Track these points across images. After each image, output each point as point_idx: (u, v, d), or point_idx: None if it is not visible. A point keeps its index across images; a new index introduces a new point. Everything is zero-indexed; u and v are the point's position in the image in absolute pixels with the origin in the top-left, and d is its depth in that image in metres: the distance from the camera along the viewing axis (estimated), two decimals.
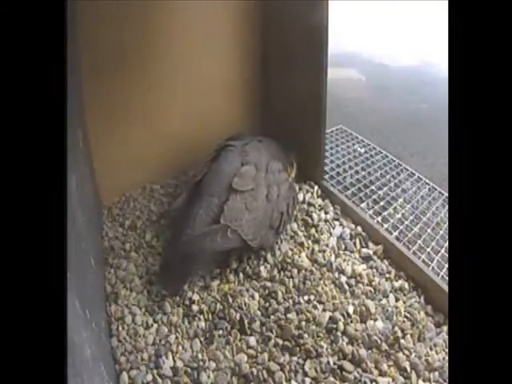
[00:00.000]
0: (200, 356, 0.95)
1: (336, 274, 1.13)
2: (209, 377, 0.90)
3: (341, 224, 1.30)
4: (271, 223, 1.14)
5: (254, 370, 0.91)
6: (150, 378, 0.90)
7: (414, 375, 0.91)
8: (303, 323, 1.00)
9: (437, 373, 0.91)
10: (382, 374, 0.91)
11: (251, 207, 1.09)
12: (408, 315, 1.03)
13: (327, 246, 1.22)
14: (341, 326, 0.99)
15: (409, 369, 0.92)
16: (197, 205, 1.11)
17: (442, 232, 1.39)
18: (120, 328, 1.00)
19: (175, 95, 1.39)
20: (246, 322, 1.01)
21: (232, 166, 1.17)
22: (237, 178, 1.12)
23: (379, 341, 0.95)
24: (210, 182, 1.15)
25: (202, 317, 1.03)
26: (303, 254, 1.19)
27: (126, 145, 1.34)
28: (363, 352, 0.93)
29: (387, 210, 1.46)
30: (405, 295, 1.09)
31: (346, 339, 0.97)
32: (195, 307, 1.05)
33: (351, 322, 1.01)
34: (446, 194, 1.58)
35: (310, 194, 1.42)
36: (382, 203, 1.50)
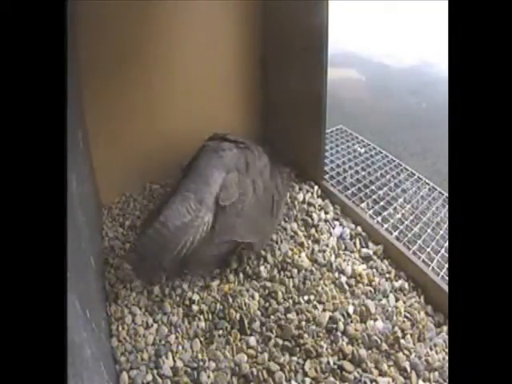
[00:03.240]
0: (200, 356, 0.95)
1: (336, 274, 1.13)
2: (209, 377, 0.90)
3: (341, 224, 1.30)
4: (265, 212, 1.16)
5: (254, 369, 0.91)
6: (150, 377, 0.90)
7: (414, 375, 0.91)
8: (303, 323, 1.00)
9: (437, 373, 0.91)
10: (382, 374, 0.91)
11: (241, 212, 1.10)
12: (408, 315, 1.03)
13: (327, 246, 1.22)
14: (341, 325, 0.99)
15: (409, 369, 0.92)
16: (172, 198, 1.09)
17: (442, 232, 1.39)
18: (120, 328, 1.00)
19: (175, 95, 1.39)
20: (245, 322, 1.01)
21: (207, 163, 1.18)
22: (222, 192, 1.10)
23: (379, 341, 0.95)
24: (187, 180, 1.15)
25: (201, 317, 1.03)
26: (303, 254, 1.19)
27: (126, 145, 1.34)
28: (363, 352, 0.93)
29: (387, 210, 1.46)
30: (405, 295, 1.09)
31: (345, 339, 0.97)
32: (195, 307, 1.05)
33: (351, 321, 1.01)
34: (446, 194, 1.58)
35: (309, 194, 1.42)
36: (382, 203, 1.50)
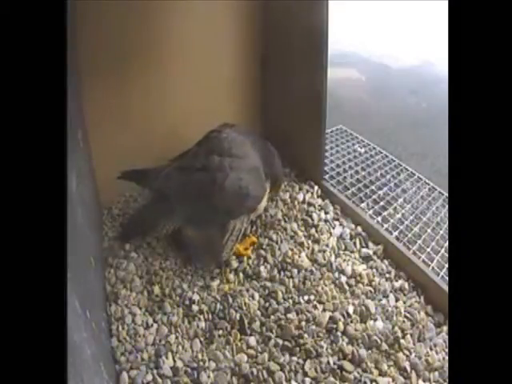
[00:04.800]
0: (200, 356, 0.95)
1: (336, 274, 1.13)
2: (209, 377, 0.90)
3: (341, 224, 1.30)
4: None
5: (254, 369, 0.91)
6: (150, 377, 0.90)
7: (414, 375, 0.91)
8: (303, 323, 1.00)
9: (437, 373, 0.91)
10: (381, 374, 0.91)
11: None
12: (408, 315, 1.03)
13: (327, 246, 1.22)
14: (341, 326, 0.99)
15: (409, 369, 0.92)
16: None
17: (442, 232, 1.39)
18: (120, 328, 1.00)
19: (175, 95, 1.39)
20: (245, 322, 1.01)
21: (201, 148, 1.21)
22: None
23: (379, 341, 0.95)
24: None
25: (201, 317, 1.03)
26: (303, 254, 1.19)
27: (126, 145, 1.34)
28: (363, 352, 0.93)
29: (387, 210, 1.46)
30: (405, 295, 1.09)
31: (346, 339, 0.97)
32: (195, 307, 1.05)
33: (351, 321, 1.01)
34: (446, 194, 1.58)
35: (310, 194, 1.42)
36: (382, 203, 1.50)
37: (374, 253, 1.20)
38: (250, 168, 1.16)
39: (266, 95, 1.59)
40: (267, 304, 1.06)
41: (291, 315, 1.02)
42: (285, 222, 1.31)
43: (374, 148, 1.90)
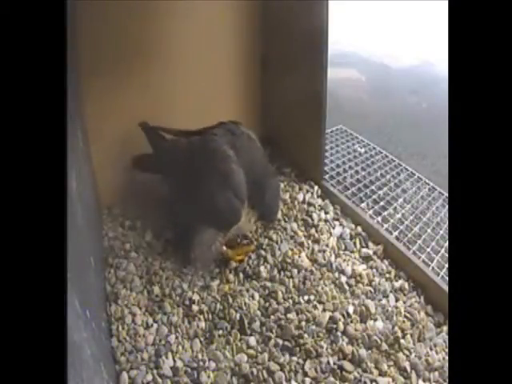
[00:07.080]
0: (200, 356, 0.95)
1: (336, 274, 1.13)
2: (209, 377, 0.90)
3: (341, 224, 1.30)
4: None
5: (254, 369, 0.91)
6: (149, 377, 0.90)
7: (414, 375, 0.91)
8: (303, 323, 1.00)
9: (437, 373, 0.91)
10: (381, 374, 0.91)
11: None
12: (408, 315, 1.03)
13: (327, 246, 1.22)
14: (341, 325, 0.99)
15: (409, 369, 0.92)
16: None
17: (442, 232, 1.39)
18: (120, 328, 1.00)
19: (175, 96, 1.39)
20: (245, 322, 1.01)
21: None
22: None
23: (379, 341, 0.95)
24: None
25: (201, 317, 1.03)
26: (303, 254, 1.19)
27: (126, 145, 1.34)
28: (363, 352, 0.93)
29: (387, 210, 1.46)
30: (405, 295, 1.09)
31: (346, 339, 0.97)
32: (195, 307, 1.05)
33: (351, 321, 1.01)
34: (446, 194, 1.58)
35: (310, 194, 1.42)
36: (382, 203, 1.50)
37: (374, 253, 1.20)
38: (223, 190, 1.10)
39: (266, 95, 1.59)
40: (267, 304, 1.06)
41: (291, 315, 1.02)
42: (285, 221, 1.31)
43: (374, 148, 1.90)
